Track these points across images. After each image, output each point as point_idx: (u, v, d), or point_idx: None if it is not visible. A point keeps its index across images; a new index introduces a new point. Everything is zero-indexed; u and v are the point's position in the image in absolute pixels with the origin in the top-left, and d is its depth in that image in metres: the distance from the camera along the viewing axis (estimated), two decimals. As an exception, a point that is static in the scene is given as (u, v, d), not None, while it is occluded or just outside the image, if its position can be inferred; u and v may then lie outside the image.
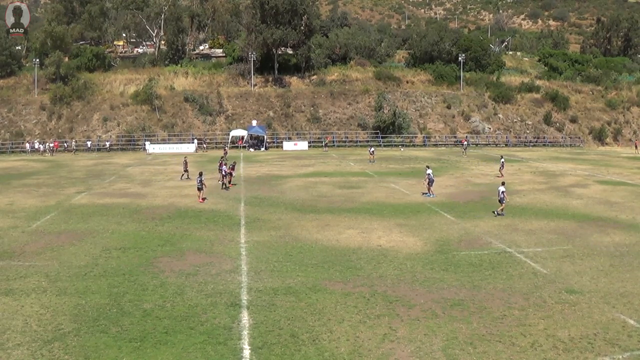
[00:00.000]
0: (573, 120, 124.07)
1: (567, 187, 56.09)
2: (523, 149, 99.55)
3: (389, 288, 25.39)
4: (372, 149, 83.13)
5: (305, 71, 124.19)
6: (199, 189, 47.34)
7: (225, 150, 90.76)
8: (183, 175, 60.53)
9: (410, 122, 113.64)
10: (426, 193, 50.57)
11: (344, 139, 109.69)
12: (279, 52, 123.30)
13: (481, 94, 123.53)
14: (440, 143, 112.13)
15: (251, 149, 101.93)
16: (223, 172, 54.50)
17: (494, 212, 42.27)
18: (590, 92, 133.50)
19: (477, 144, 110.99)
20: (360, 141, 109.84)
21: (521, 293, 24.92)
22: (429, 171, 51.42)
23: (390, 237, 34.84)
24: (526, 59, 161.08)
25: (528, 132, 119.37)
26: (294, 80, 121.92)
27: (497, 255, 30.86)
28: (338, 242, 33.50)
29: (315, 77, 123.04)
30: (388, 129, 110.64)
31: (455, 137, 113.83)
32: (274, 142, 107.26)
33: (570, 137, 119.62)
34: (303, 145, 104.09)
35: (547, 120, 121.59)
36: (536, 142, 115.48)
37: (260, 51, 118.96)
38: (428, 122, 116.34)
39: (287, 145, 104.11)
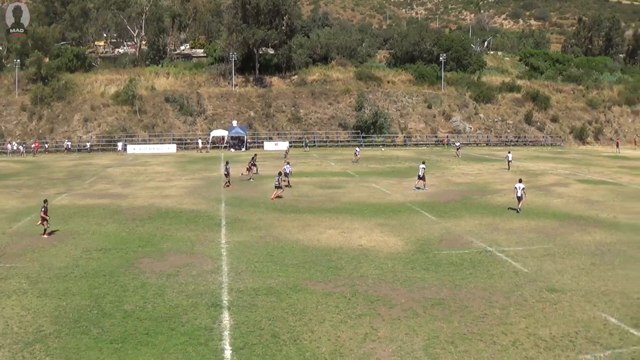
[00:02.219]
0: (554, 119, 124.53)
1: (548, 186, 56.36)
2: (504, 149, 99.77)
3: (370, 288, 25.42)
4: (358, 149, 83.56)
5: (287, 71, 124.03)
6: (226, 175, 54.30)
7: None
8: (243, 174, 62.12)
9: (391, 122, 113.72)
10: (419, 187, 52.74)
11: (324, 139, 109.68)
12: (260, 52, 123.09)
13: (462, 94, 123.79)
14: (421, 143, 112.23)
15: (232, 149, 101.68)
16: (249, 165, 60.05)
17: (516, 210, 43.12)
18: (572, 92, 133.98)
19: (462, 144, 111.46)
20: (341, 141, 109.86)
21: (502, 292, 25.02)
22: (422, 166, 53.98)
23: (371, 236, 34.88)
24: (507, 58, 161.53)
25: (509, 131, 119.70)
26: (275, 80, 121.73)
27: (478, 254, 30.98)
28: (319, 242, 33.50)
29: (296, 77, 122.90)
30: (369, 129, 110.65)
31: (436, 136, 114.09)
32: (254, 142, 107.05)
33: (551, 137, 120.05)
34: (284, 145, 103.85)
35: (528, 119, 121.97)
36: (517, 141, 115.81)
37: (241, 51, 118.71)
38: (409, 121, 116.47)
39: (268, 145, 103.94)
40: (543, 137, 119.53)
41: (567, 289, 25.51)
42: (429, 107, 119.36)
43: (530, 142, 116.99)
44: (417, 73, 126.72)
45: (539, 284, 26.07)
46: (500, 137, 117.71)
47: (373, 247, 32.31)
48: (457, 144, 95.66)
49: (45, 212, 34.97)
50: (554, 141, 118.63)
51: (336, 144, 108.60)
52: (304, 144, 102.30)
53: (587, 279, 26.96)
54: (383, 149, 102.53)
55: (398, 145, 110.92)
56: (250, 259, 29.82)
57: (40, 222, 35.10)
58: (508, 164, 71.26)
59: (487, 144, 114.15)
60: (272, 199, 47.77)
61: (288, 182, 54.80)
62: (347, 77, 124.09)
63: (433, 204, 46.25)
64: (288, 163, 58.51)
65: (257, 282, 26.13)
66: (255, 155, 68.02)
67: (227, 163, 58.37)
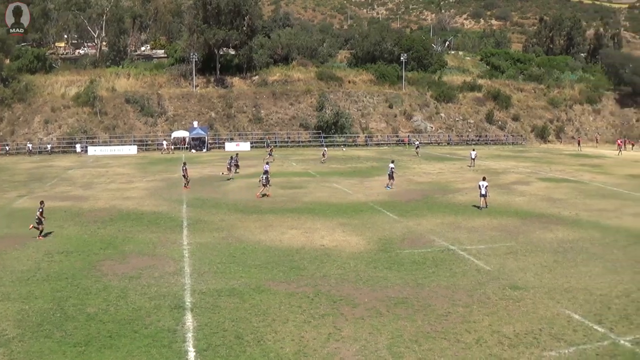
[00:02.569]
0: (515, 118, 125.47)
1: (510, 184, 56.92)
2: (466, 148, 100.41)
3: (332, 287, 25.48)
4: (326, 149, 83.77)
5: (247, 72, 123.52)
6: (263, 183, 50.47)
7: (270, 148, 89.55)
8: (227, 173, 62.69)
9: (353, 121, 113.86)
10: (389, 186, 53.55)
11: (286, 139, 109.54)
12: (221, 53, 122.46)
13: (423, 94, 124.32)
14: (382, 142, 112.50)
15: (193, 150, 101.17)
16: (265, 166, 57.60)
17: (478, 207, 43.73)
18: (533, 91, 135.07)
19: (419, 143, 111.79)
20: (302, 141, 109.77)
21: (465, 290, 25.23)
22: (391, 165, 54.98)
23: (334, 236, 34.97)
24: (468, 58, 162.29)
25: (470, 130, 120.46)
26: (236, 81, 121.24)
27: (441, 253, 31.20)
28: (281, 242, 33.52)
29: (257, 77, 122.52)
30: (330, 129, 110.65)
31: (397, 136, 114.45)
32: (215, 143, 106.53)
33: (513, 135, 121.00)
34: (245, 146, 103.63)
35: (489, 118, 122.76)
36: (478, 140, 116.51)
37: (202, 52, 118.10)
38: (370, 121, 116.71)
39: (229, 146, 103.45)
40: (504, 135, 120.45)
41: (530, 286, 25.79)
42: (390, 106, 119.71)
43: (491, 141, 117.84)
44: (378, 73, 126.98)
45: (501, 282, 26.33)
46: (462, 136, 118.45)
47: (335, 247, 32.40)
48: (417, 143, 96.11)
49: (42, 214, 34.79)
50: (515, 140, 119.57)
51: (297, 144, 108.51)
52: (265, 145, 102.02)
53: (550, 276, 27.27)
54: (344, 149, 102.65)
55: (359, 145, 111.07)
56: (212, 260, 29.75)
57: (33, 225, 34.81)
58: (472, 162, 71.84)
59: (448, 143, 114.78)
60: (258, 196, 48.93)
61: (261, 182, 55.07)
62: (308, 77, 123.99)
63: (395, 203, 46.46)
64: (267, 163, 58.79)
65: (220, 283, 26.08)
66: (237, 154, 68.79)
67: (184, 164, 58.20)
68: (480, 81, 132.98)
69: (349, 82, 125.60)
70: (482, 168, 69.31)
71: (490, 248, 32.28)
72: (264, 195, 49.42)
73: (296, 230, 36.57)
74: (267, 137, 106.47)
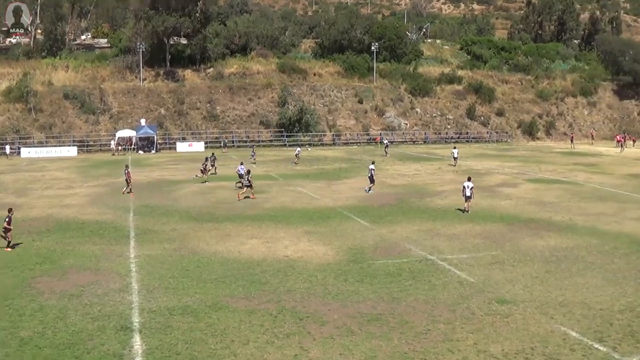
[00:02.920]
0: (500, 113, 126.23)
1: (494, 186, 57.24)
2: (444, 146, 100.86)
3: (298, 303, 25.35)
4: (298, 149, 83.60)
5: (201, 63, 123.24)
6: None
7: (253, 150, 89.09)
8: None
9: (318, 118, 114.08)
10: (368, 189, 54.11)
11: (244, 139, 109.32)
12: (172, 42, 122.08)
13: (397, 87, 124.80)
14: (351, 141, 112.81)
15: (140, 152, 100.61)
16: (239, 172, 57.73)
17: (461, 210, 44.20)
18: (519, 82, 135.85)
19: (392, 142, 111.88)
20: (263, 141, 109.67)
21: (446, 304, 25.18)
22: (372, 166, 55.35)
23: (299, 246, 34.89)
24: (447, 47, 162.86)
25: (449, 127, 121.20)
26: (188, 74, 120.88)
27: (418, 263, 31.19)
28: (240, 253, 33.36)
29: (212, 70, 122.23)
30: (294, 127, 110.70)
31: (368, 134, 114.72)
32: (166, 144, 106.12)
33: (497, 132, 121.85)
34: (199, 146, 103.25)
35: (471, 114, 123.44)
36: (458, 138, 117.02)
37: (149, 41, 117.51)
38: (338, 118, 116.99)
39: (181, 147, 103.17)
40: (487, 132, 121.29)
41: (520, 300, 25.75)
42: (360, 101, 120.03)
43: (473, 138, 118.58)
44: (347, 64, 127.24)
45: (487, 295, 26.31)
46: (440, 133, 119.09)
47: (301, 258, 32.30)
48: (386, 141, 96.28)
49: (9, 223, 34.44)
50: (499, 137, 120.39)
51: (257, 144, 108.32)
52: (222, 144, 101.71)
53: (541, 288, 27.28)
54: (309, 149, 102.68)
55: (326, 144, 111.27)
56: (163, 274, 29.50)
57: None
58: (455, 161, 72.15)
59: (425, 142, 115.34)
60: (240, 198, 50.30)
61: (242, 184, 55.38)
62: (269, 69, 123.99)
63: (366, 208, 46.50)
64: (242, 163, 59.39)
65: (172, 300, 25.84)
66: (213, 154, 70.56)
67: (126, 167, 57.66)
68: (460, 72, 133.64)
69: (314, 74, 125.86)
70: (462, 169, 69.60)
71: (473, 257, 32.34)
72: (246, 197, 50.39)
73: (257, 240, 36.43)
74: (223, 136, 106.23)
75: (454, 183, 58.55)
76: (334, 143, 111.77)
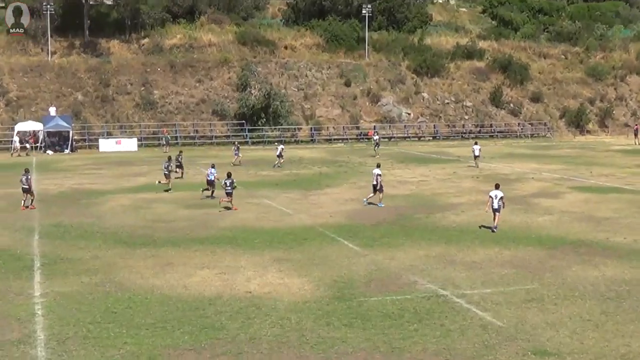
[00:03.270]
0: (536, 98, 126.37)
1: (529, 197, 57.39)
2: (460, 144, 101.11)
3: (265, 356, 25.19)
4: (281, 146, 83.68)
5: (132, 32, 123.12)
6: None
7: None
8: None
9: (291, 106, 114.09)
10: (372, 202, 54.16)
11: (192, 134, 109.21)
12: (92, 3, 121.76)
13: (396, 64, 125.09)
14: (336, 137, 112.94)
15: (49, 152, 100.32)
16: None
17: (489, 228, 44.26)
18: (563, 57, 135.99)
19: (390, 137, 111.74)
20: (217, 136, 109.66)
21: (465, 357, 25.05)
22: (377, 171, 54.48)
23: (265, 278, 34.75)
24: (464, 9, 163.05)
25: (467, 117, 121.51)
26: (115, 46, 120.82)
27: (426, 300, 31.07)
28: (186, 289, 33.18)
29: (147, 40, 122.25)
30: (258, 118, 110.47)
31: (357, 127, 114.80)
32: (85, 141, 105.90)
33: (532, 124, 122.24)
34: (130, 144, 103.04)
35: (496, 100, 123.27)
36: (479, 132, 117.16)
37: (61, 1, 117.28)
38: (318, 106, 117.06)
39: (106, 145, 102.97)
40: (519, 124, 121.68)
41: (566, 351, 25.50)
42: (347, 84, 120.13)
43: (499, 132, 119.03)
44: (329, 34, 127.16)
45: (521, 344, 26.13)
46: (455, 126, 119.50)
47: (268, 295, 32.13)
48: (376, 137, 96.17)
49: None
50: (535, 130, 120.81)
51: (210, 141, 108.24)
52: (164, 142, 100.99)
53: (596, 335, 27.03)
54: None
55: (302, 141, 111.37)
56: (80, 319, 29.24)
57: None
58: (475, 160, 72.25)
59: (434, 137, 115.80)
60: (222, 201, 52.86)
61: (212, 193, 57.32)
62: (225, 40, 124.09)
63: (356, 227, 46.47)
64: (213, 166, 60.35)
65: (92, 355, 25.59)
66: (181, 152, 72.68)
67: (26, 172, 56.38)
68: (482, 44, 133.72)
69: (286, 47, 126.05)
70: (485, 173, 69.73)
71: (501, 293, 32.20)
72: (227, 208, 51.96)
73: (209, 271, 36.28)
74: (163, 130, 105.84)
75: (474, 193, 58.57)
76: (312, 140, 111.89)
